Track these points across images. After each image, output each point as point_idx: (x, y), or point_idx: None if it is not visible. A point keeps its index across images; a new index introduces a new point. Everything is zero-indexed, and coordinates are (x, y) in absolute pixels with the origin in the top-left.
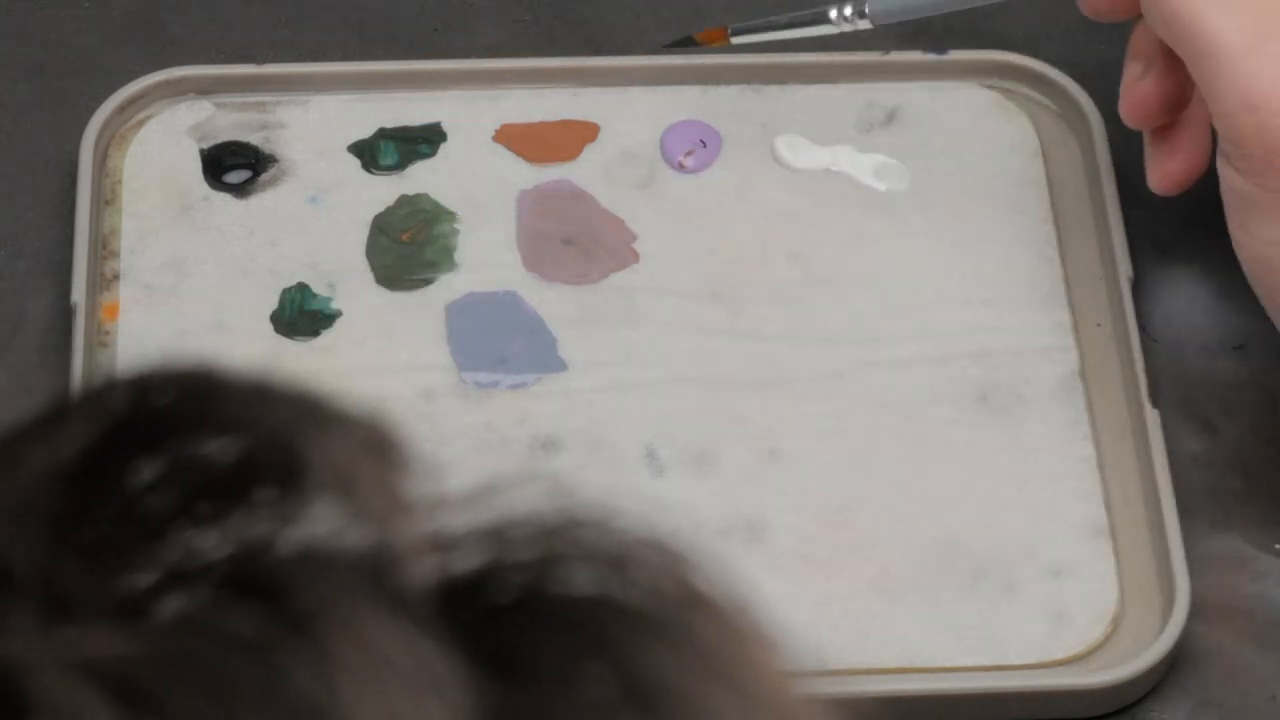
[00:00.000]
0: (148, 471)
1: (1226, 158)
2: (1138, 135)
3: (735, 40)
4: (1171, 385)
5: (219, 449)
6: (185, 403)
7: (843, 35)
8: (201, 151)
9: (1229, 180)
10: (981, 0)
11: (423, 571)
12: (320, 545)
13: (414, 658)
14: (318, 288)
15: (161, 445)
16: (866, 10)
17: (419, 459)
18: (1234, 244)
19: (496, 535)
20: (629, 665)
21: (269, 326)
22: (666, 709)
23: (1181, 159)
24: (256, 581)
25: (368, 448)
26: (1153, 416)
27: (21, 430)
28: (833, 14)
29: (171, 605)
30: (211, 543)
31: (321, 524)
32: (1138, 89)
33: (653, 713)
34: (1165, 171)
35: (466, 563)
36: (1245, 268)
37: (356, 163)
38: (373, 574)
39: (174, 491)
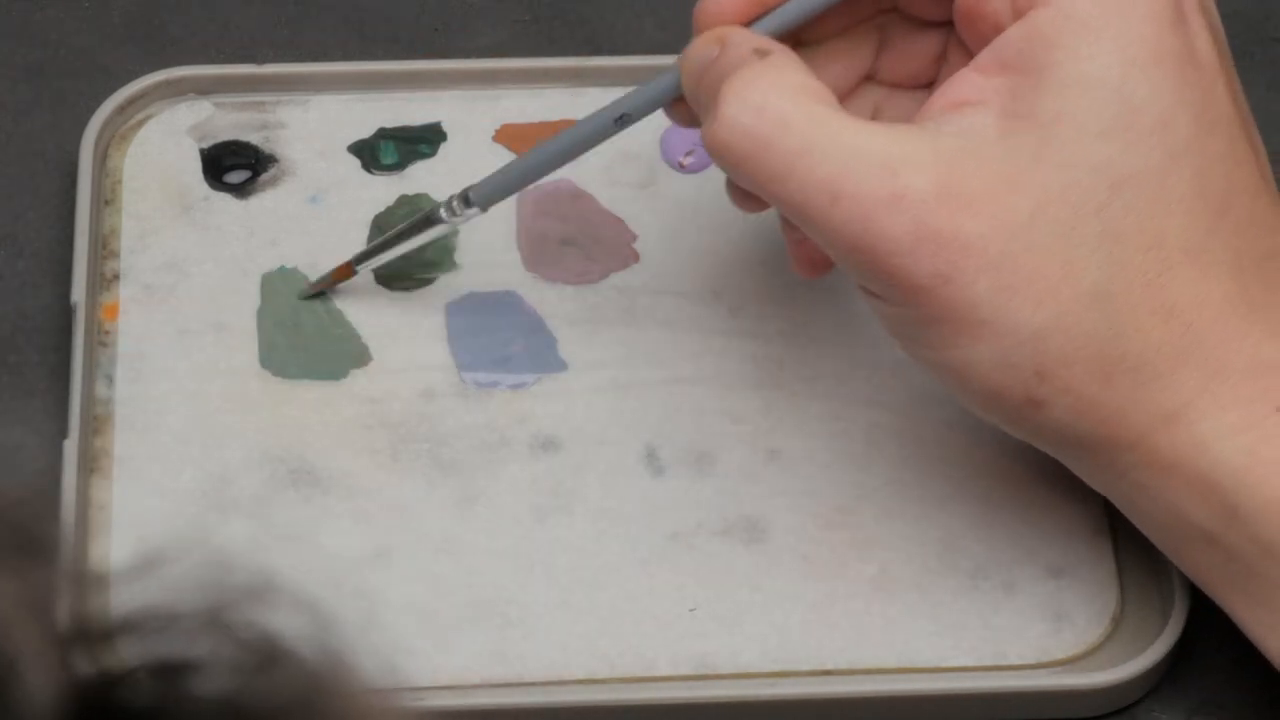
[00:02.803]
0: None
1: (866, 291)
2: None
3: (359, 270)
4: None
5: None
6: None
7: None
8: (201, 151)
9: (876, 308)
10: (551, 168)
11: (48, 678)
12: None
13: None
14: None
15: None
16: (471, 198)
17: (56, 536)
18: (920, 361)
19: (137, 627)
20: None
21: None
22: None
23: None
24: None
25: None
26: None
27: None
28: (442, 212)
29: None
30: None
31: None
32: (797, 246)
33: None
34: (808, 260)
35: (98, 664)
36: (935, 373)
37: (356, 163)
38: None
39: None
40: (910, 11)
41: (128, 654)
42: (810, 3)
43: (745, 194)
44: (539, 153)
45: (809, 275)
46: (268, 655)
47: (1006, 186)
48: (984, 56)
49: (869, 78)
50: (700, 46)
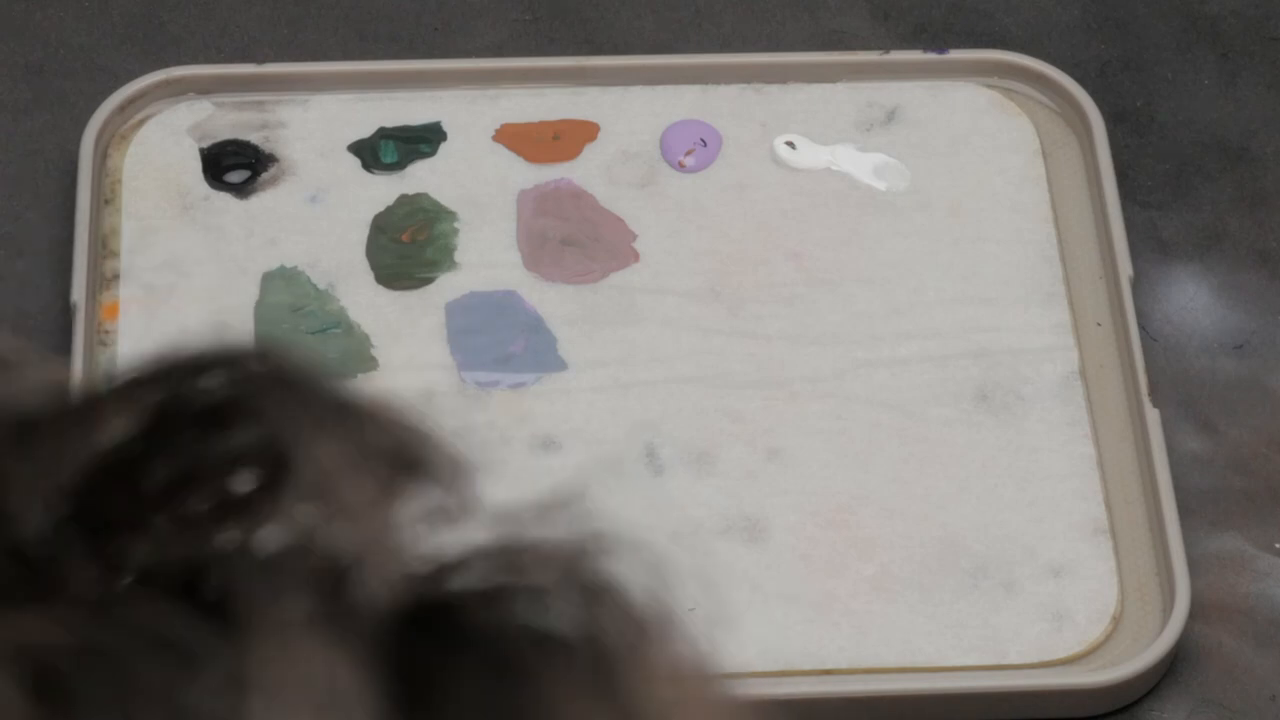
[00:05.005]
0: (159, 470)
1: None
2: (1138, 134)
3: None
4: (1171, 385)
5: (222, 446)
6: (223, 397)
7: (844, 35)
8: (201, 151)
9: None
10: None
11: (380, 592)
12: (274, 555)
13: (330, 681)
14: (318, 287)
15: (178, 442)
16: None
17: (441, 466)
18: None
19: (471, 562)
20: (547, 711)
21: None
22: None
23: None
24: (201, 584)
25: (369, 454)
26: (1153, 416)
27: (65, 409)
28: None
29: (112, 598)
30: (176, 540)
31: (288, 533)
32: None
33: None
34: None
35: (430, 588)
36: None
37: (356, 162)
38: (321, 590)
39: (165, 485)
40: None
41: (470, 575)
42: None
43: None
44: None
45: None
46: (601, 596)
47: None
48: None
49: None
50: None
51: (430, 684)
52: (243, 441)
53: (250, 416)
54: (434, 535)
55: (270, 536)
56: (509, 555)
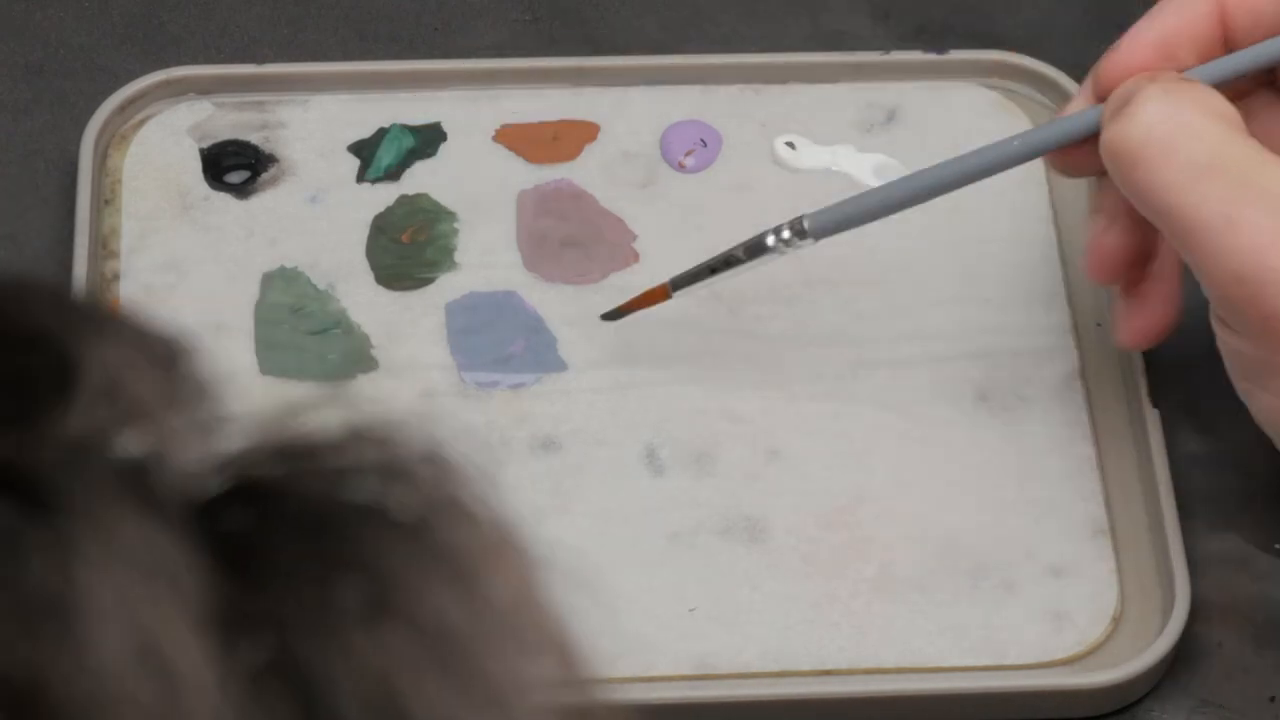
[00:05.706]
0: None
1: (1222, 322)
2: None
3: (676, 294)
4: (1171, 385)
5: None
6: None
7: (844, 35)
8: (201, 151)
9: (1229, 342)
10: (910, 204)
11: (189, 480)
12: (78, 445)
13: (153, 552)
14: (318, 287)
15: None
16: (807, 227)
17: (213, 380)
18: (1244, 400)
19: (272, 450)
20: (370, 570)
21: None
22: (406, 613)
23: (1151, 314)
24: (14, 477)
25: (153, 359)
26: (1153, 416)
27: None
28: (770, 240)
29: None
30: None
31: (87, 427)
32: (1103, 244)
33: (388, 616)
34: (1135, 328)
35: (239, 473)
36: (1260, 421)
37: (356, 162)
38: (132, 476)
39: None
40: None
41: (275, 462)
42: (1230, 67)
43: (1071, 161)
44: (888, 190)
45: (1136, 345)
46: (391, 471)
47: None
48: None
49: None
50: (1123, 84)
51: (250, 550)
52: (20, 348)
53: (34, 334)
54: (215, 436)
55: (71, 430)
56: (302, 442)
